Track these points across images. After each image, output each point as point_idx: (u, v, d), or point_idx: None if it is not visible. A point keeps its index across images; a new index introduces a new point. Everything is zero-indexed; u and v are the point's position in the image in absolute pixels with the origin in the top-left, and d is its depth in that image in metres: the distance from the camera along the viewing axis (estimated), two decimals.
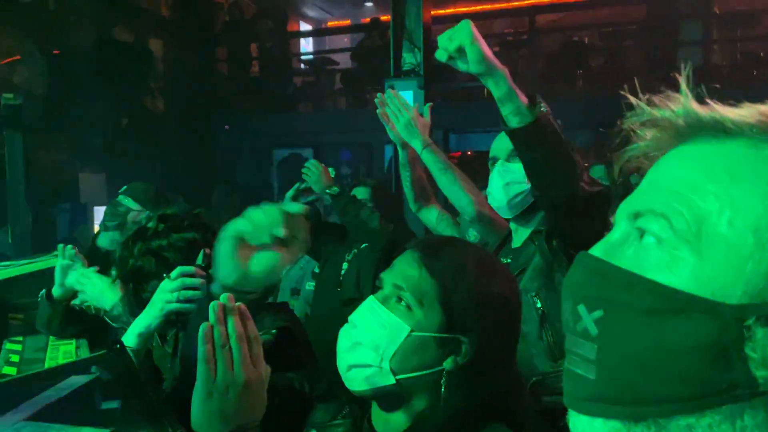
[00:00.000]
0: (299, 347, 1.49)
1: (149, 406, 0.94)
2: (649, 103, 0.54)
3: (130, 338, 1.37)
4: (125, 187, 2.78)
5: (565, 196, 1.50)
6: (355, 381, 0.98)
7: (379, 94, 2.51)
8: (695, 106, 0.52)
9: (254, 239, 0.99)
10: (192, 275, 1.39)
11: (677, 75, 0.53)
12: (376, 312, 0.98)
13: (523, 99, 1.45)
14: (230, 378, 0.86)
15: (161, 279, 1.43)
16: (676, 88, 0.53)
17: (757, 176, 0.47)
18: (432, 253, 0.99)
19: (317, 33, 12.41)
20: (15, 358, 2.49)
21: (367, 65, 8.64)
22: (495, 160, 1.89)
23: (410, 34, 4.85)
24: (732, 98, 0.52)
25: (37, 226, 5.76)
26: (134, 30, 8.29)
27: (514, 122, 1.46)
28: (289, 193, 3.24)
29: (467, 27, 1.40)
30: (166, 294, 1.38)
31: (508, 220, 1.94)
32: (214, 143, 8.92)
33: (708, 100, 0.52)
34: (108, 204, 2.87)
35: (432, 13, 5.02)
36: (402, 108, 2.29)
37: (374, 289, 1.03)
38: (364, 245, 3.21)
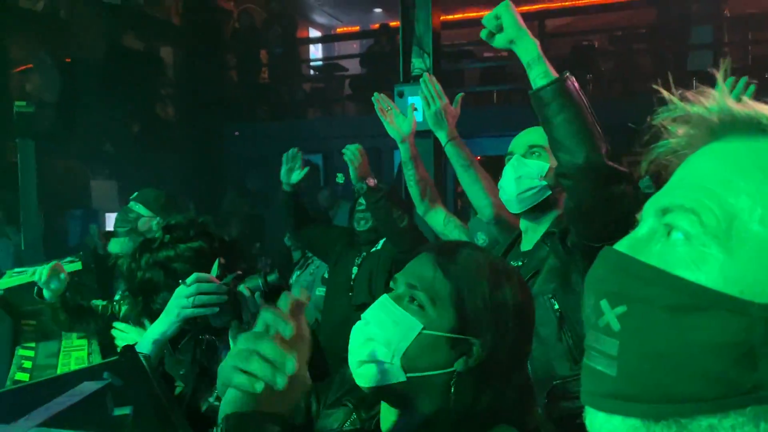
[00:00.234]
0: (310, 353, 1.48)
1: (161, 412, 0.94)
2: (681, 99, 0.53)
3: (145, 345, 1.37)
4: (136, 193, 2.79)
5: (588, 165, 1.49)
6: (366, 377, 0.97)
7: (375, 93, 2.50)
8: (730, 102, 0.51)
9: None
10: (208, 281, 1.39)
11: (715, 72, 0.52)
12: (389, 309, 0.98)
13: (553, 69, 1.56)
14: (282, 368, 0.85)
15: (171, 290, 1.43)
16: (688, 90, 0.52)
17: None
18: (447, 255, 1.00)
19: (326, 39, 12.46)
20: (28, 365, 2.51)
21: (377, 71, 8.66)
22: (512, 155, 1.88)
23: (419, 40, 4.85)
24: None
25: (49, 233, 5.81)
26: (144, 38, 8.36)
27: (540, 82, 1.54)
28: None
29: (506, 1, 1.60)
30: (182, 300, 1.38)
31: (517, 217, 1.92)
32: (224, 149, 8.96)
33: (742, 97, 0.51)
34: (119, 210, 2.89)
35: (441, 18, 5.03)
36: (435, 95, 2.26)
37: (387, 290, 1.03)
38: (374, 249, 3.21)
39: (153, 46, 8.44)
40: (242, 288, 1.41)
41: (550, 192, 1.81)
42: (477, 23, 1.70)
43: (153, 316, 1.46)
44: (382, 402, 1.02)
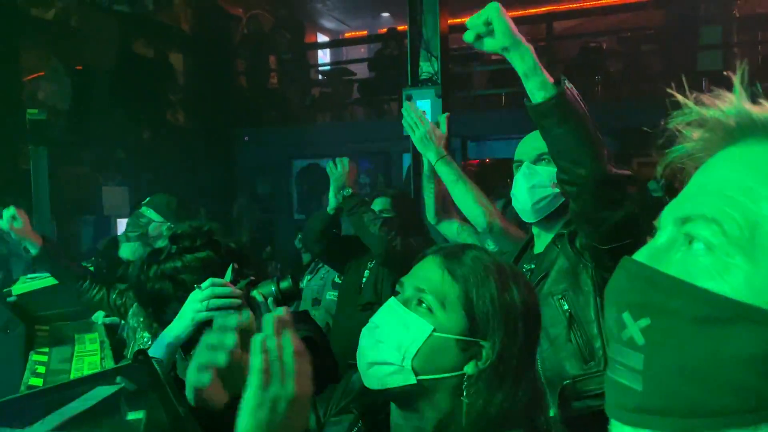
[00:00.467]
0: (322, 358, 1.49)
1: (175, 417, 0.94)
2: (697, 102, 0.52)
3: (158, 349, 1.38)
4: (147, 198, 2.81)
5: (591, 175, 1.47)
6: (376, 378, 0.97)
7: (406, 103, 2.52)
8: (748, 105, 0.50)
9: None
10: (223, 286, 1.39)
11: (731, 74, 0.50)
12: (398, 312, 0.98)
13: (549, 76, 1.45)
14: (282, 390, 0.86)
15: (181, 301, 1.43)
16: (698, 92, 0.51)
17: None
18: (454, 257, 0.99)
19: (335, 44, 12.49)
20: (41, 369, 2.53)
21: (385, 75, 8.67)
22: (520, 162, 1.87)
23: (427, 44, 4.85)
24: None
25: (61, 239, 5.86)
26: (154, 45, 8.42)
27: (539, 96, 1.45)
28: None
29: (495, 4, 1.43)
30: (196, 304, 1.38)
31: (530, 225, 1.92)
32: (233, 154, 9.00)
33: (761, 100, 0.50)
34: (130, 215, 2.91)
35: (449, 22, 5.02)
36: (418, 121, 2.30)
37: (393, 293, 1.03)
38: None
39: (163, 53, 8.50)
40: (256, 293, 1.42)
41: (563, 199, 1.81)
42: None
43: (164, 325, 1.46)
44: (391, 407, 1.02)
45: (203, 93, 8.72)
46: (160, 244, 2.63)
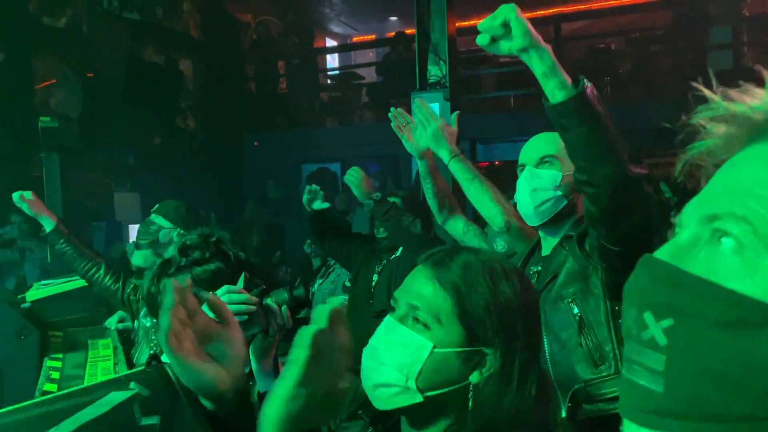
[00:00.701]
0: None
1: (188, 421, 0.95)
2: (724, 98, 0.50)
3: None
4: (157, 205, 2.83)
5: (612, 175, 1.45)
6: (382, 400, 0.97)
7: (392, 108, 2.53)
8: None
9: None
10: (238, 293, 1.40)
11: (764, 72, 0.48)
12: (396, 332, 0.97)
13: (567, 76, 1.43)
14: (320, 387, 0.86)
15: None
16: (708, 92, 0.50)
17: None
18: (443, 266, 0.98)
19: (343, 49, 12.53)
20: (56, 375, 2.55)
21: (393, 79, 8.69)
22: (523, 166, 1.86)
23: (435, 47, 4.86)
24: None
25: None
26: (164, 51, 8.48)
27: (559, 96, 1.42)
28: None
29: (511, 5, 1.39)
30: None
31: (536, 228, 1.92)
32: (243, 159, 9.04)
33: None
34: (141, 222, 2.93)
35: (456, 25, 5.04)
36: (429, 117, 2.28)
37: (389, 307, 1.02)
38: (393, 256, 3.23)
39: (173, 59, 8.56)
40: (269, 301, 1.42)
41: (567, 201, 1.80)
42: None
43: None
44: (401, 416, 1.02)
45: (213, 99, 8.78)
46: (170, 250, 2.66)
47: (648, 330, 0.47)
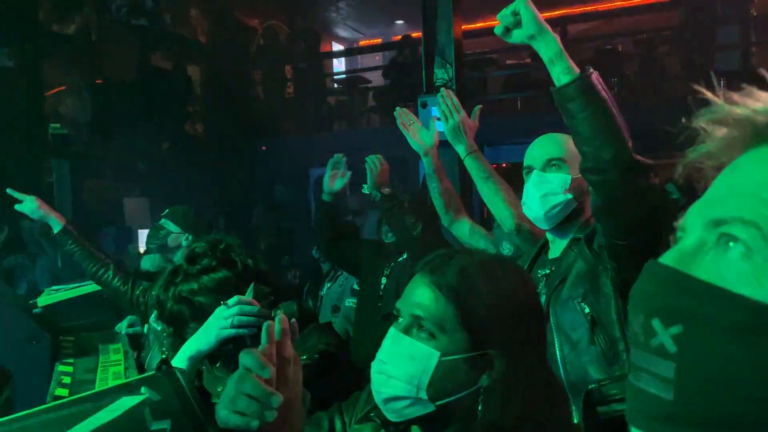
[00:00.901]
0: (341, 372, 1.49)
1: (199, 427, 0.96)
2: (726, 100, 0.49)
3: (180, 360, 1.39)
4: (166, 210, 2.86)
5: (616, 159, 1.48)
6: (394, 412, 0.98)
7: (397, 108, 2.52)
8: None
9: None
10: (250, 304, 1.40)
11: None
12: (402, 344, 0.97)
13: (574, 65, 1.52)
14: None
15: (199, 322, 1.44)
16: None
17: None
18: (440, 273, 0.98)
19: (349, 53, 12.56)
20: (67, 380, 2.56)
21: (400, 82, 8.70)
22: (530, 169, 1.85)
23: (442, 50, 4.86)
24: None
25: None
26: (172, 57, 8.53)
27: (565, 79, 1.50)
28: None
29: None
30: (222, 320, 1.39)
31: (544, 231, 1.91)
32: (252, 164, 9.07)
33: None
34: (150, 227, 2.96)
35: (463, 27, 5.03)
36: (453, 109, 2.27)
37: (392, 318, 1.02)
38: (401, 258, 3.22)
39: (181, 65, 8.61)
40: (277, 312, 1.43)
41: (576, 204, 1.80)
42: None
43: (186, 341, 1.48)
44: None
45: (221, 104, 8.82)
46: (179, 255, 2.67)
47: (657, 337, 0.46)
